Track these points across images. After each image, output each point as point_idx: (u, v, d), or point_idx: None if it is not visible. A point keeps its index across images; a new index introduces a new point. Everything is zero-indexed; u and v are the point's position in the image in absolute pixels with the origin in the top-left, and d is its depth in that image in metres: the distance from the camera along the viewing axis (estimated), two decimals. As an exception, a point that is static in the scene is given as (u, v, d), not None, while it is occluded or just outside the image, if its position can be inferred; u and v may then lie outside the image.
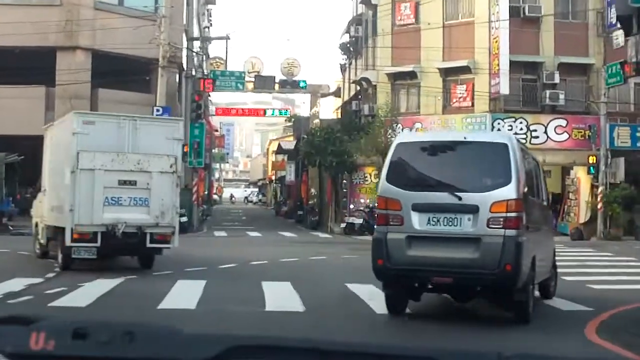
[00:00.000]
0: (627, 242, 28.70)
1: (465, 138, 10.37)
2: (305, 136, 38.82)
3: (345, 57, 46.95)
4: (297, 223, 43.15)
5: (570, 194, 32.85)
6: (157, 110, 30.66)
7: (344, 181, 36.35)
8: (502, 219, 8.90)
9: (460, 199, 9.09)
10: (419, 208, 9.28)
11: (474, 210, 9.02)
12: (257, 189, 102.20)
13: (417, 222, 9.27)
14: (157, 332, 1.69)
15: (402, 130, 32.16)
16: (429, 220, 9.24)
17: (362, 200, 34.49)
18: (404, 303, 10.05)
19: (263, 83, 35.75)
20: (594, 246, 26.17)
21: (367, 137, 32.23)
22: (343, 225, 33.02)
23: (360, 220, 32.09)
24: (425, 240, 9.26)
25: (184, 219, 32.23)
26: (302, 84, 36.67)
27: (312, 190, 44.39)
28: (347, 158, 33.11)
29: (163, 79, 31.18)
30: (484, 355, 1.59)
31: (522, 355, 1.60)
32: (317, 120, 49.53)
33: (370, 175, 34.89)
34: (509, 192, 8.98)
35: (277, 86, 37.53)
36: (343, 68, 47.79)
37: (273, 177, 75.78)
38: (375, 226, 10.02)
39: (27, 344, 1.59)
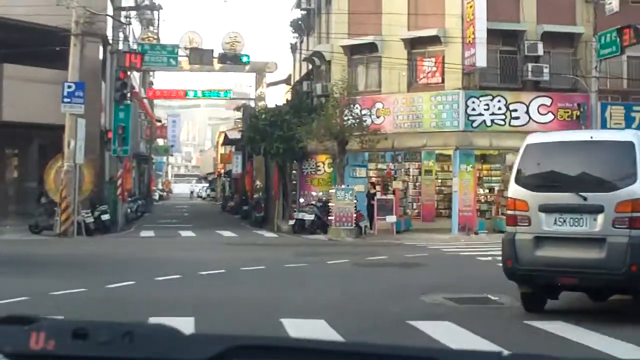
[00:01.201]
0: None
1: (592, 137, 10.35)
2: (250, 120, 34.65)
3: (297, 35, 42.92)
4: (242, 219, 39.16)
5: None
6: (69, 87, 26.26)
7: (293, 171, 32.26)
8: (627, 219, 9.10)
9: (585, 199, 9.33)
10: (545, 209, 9.60)
11: (599, 210, 9.25)
12: (207, 184, 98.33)
13: (544, 222, 9.61)
14: (157, 332, 1.70)
15: (361, 110, 28.70)
16: (555, 220, 9.56)
17: (313, 193, 30.31)
18: (542, 302, 10.11)
19: (199, 58, 31.44)
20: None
21: (319, 120, 28.10)
22: (292, 222, 28.89)
23: (312, 217, 27.98)
24: (552, 240, 9.58)
25: (106, 216, 27.99)
26: (245, 59, 32.43)
27: (258, 183, 40.26)
28: (296, 144, 28.91)
29: (76, 49, 26.76)
30: (484, 355, 1.65)
31: (522, 355, 1.65)
32: (262, 103, 45.35)
33: (324, 165, 30.81)
34: (634, 191, 9.12)
35: (215, 62, 33.25)
36: (294, 48, 43.69)
37: (222, 171, 71.87)
38: (505, 227, 10.34)
39: (27, 344, 1.61)
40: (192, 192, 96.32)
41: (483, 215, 30.17)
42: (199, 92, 50.23)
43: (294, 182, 32.11)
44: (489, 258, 17.33)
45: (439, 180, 31.91)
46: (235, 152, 51.56)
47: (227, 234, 29.01)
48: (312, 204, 29.01)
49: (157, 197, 71.78)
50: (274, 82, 52.62)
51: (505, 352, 1.60)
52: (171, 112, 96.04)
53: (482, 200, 30.94)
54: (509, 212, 10.06)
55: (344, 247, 22.47)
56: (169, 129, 75.05)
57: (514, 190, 9.94)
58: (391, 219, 27.77)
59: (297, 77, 42.05)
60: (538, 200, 9.60)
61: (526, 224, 9.65)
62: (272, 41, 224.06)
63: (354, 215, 26.59)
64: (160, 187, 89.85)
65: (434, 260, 17.80)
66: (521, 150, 10.13)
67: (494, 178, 30.94)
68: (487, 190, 31.18)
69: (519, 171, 10.01)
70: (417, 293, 11.74)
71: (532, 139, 10.34)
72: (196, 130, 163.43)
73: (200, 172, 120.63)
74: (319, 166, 31.04)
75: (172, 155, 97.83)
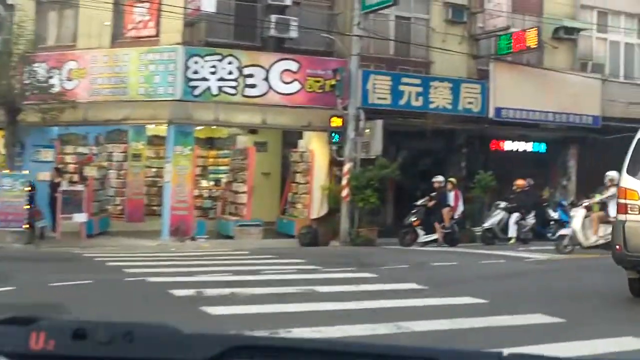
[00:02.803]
0: (386, 248, 19.79)
1: None
2: None
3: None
4: None
5: (299, 176, 23.36)
6: None
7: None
8: None
9: None
10: None
11: None
12: None
13: None
14: (157, 332, 1.73)
15: (48, 71, 21.52)
16: None
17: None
18: None
19: None
20: (331, 257, 16.83)
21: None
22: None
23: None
24: None
25: None
26: None
27: None
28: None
29: None
30: (484, 355, 1.70)
31: (522, 355, 1.69)
32: None
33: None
34: None
35: None
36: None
37: None
38: (617, 215, 10.94)
39: (27, 344, 1.63)
40: None
41: (206, 214, 23.94)
42: None
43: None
44: (191, 292, 10.57)
45: (152, 169, 25.20)
46: None
47: None
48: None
49: None
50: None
51: (506, 352, 1.63)
52: None
53: (206, 196, 24.68)
54: (620, 200, 10.68)
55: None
56: None
57: (626, 180, 10.60)
58: (80, 217, 20.85)
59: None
60: None
61: (636, 213, 10.34)
62: None
63: (27, 212, 19.48)
64: None
65: (77, 300, 10.32)
66: (634, 142, 10.81)
67: (221, 167, 24.71)
68: (212, 183, 24.97)
69: (631, 161, 10.64)
70: None
71: None
72: None
73: None
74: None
75: None
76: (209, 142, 25.63)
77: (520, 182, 22.03)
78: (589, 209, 17.77)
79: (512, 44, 23.84)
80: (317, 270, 13.89)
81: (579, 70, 25.87)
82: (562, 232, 18.50)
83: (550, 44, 25.64)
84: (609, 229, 16.64)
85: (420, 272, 13.72)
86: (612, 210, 16.96)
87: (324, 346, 1.71)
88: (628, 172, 10.56)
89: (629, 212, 10.33)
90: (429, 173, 21.93)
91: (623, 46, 27.33)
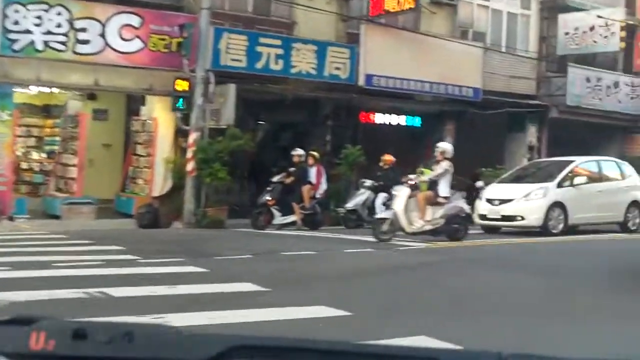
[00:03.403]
0: (236, 231, 17.42)
1: None
2: None
3: None
4: None
5: (140, 147, 20.67)
6: None
7: None
8: None
9: None
10: None
11: None
12: None
13: None
14: (157, 332, 1.77)
15: None
16: None
17: None
18: None
19: None
20: (163, 244, 14.30)
21: None
22: None
23: None
24: None
25: None
26: None
27: None
28: None
29: None
30: (484, 355, 1.63)
31: (522, 355, 1.64)
32: None
33: None
34: None
35: None
36: None
37: None
38: None
39: (27, 344, 1.64)
40: None
41: (36, 190, 21.09)
42: None
43: None
44: None
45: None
46: None
47: None
48: None
49: None
50: None
51: (505, 352, 1.58)
52: None
53: (37, 169, 21.77)
54: None
55: None
56: None
57: None
58: None
59: None
60: None
61: None
62: None
63: None
64: None
65: None
66: None
67: (57, 138, 21.75)
68: (45, 155, 22.03)
69: None
70: None
71: None
72: None
73: None
74: None
75: None
76: (46, 110, 22.66)
77: (387, 157, 19.97)
78: (414, 187, 15.27)
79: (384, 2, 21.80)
80: (133, 262, 11.11)
81: (458, 38, 24.09)
82: (382, 214, 15.95)
83: (429, 8, 23.74)
84: (439, 212, 15.04)
85: (265, 266, 11.05)
86: (443, 189, 15.16)
87: (324, 346, 1.71)
88: None
89: None
90: (291, 147, 19.69)
91: (506, 15, 25.70)
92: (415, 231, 15.01)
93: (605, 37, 25.39)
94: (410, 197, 15.05)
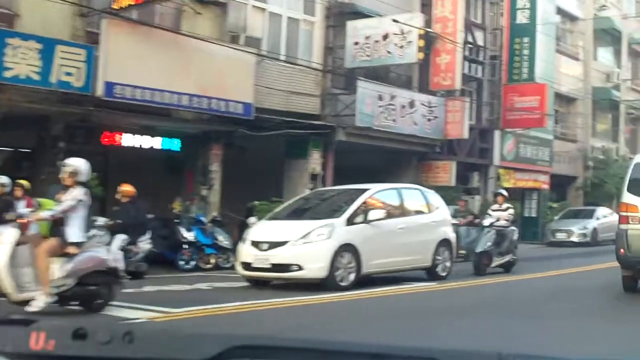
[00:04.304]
0: None
1: None
2: None
3: None
4: None
5: None
6: None
7: None
8: None
9: None
10: None
11: None
12: None
13: None
14: (157, 332, 1.91)
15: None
16: None
17: None
18: (636, 284, 14.01)
19: None
20: None
21: None
22: None
23: None
24: None
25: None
26: None
27: None
28: None
29: None
30: (484, 355, 1.68)
31: (522, 355, 1.69)
32: None
33: None
34: None
35: None
36: None
37: None
38: (619, 225, 14.04)
39: (27, 344, 1.71)
40: None
41: None
42: None
43: None
44: None
45: None
46: None
47: None
48: None
49: None
50: None
51: (505, 352, 1.63)
52: None
53: None
54: (622, 213, 13.89)
55: None
56: None
57: (627, 197, 13.74)
58: None
59: None
60: None
61: (637, 223, 13.46)
62: None
63: None
64: None
65: None
66: (630, 167, 14.17)
67: None
68: None
69: (630, 183, 13.76)
70: None
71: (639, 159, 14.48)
72: None
73: None
74: None
75: None
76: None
77: (126, 188, 15.64)
78: (26, 228, 10.59)
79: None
80: None
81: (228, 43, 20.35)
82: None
83: (192, 7, 19.92)
84: (67, 267, 9.96)
85: None
86: (73, 231, 10.15)
87: (323, 346, 1.75)
88: (629, 190, 13.65)
89: (630, 222, 13.49)
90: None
91: (286, 21, 22.28)
92: (26, 299, 9.84)
93: (401, 46, 22.43)
94: (20, 244, 10.01)
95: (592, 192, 38.41)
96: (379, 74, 24.75)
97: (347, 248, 14.25)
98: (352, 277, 14.22)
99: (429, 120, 24.77)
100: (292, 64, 21.85)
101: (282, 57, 21.82)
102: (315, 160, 22.50)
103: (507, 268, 18.44)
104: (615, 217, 35.11)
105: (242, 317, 10.75)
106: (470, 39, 28.67)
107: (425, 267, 16.11)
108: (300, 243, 14.05)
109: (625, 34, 42.87)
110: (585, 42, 39.23)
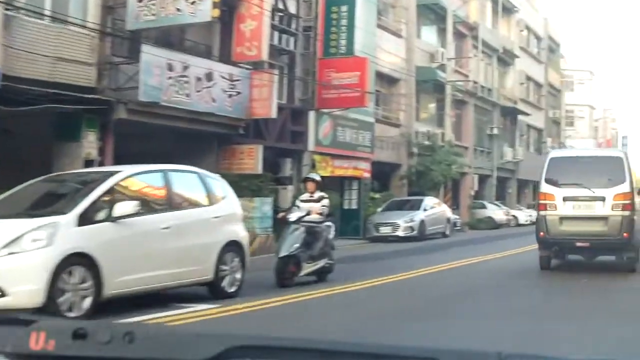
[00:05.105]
0: None
1: (595, 154, 19.19)
2: None
3: None
4: None
5: None
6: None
7: None
8: (620, 205, 16.10)
9: (594, 192, 16.27)
10: (567, 199, 16.44)
11: (602, 199, 16.22)
12: None
13: (566, 208, 16.44)
14: (157, 332, 1.84)
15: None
16: (573, 207, 16.44)
17: None
18: (550, 262, 17.20)
19: None
20: None
21: None
22: None
23: None
24: (571, 219, 16.43)
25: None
26: None
27: None
28: None
29: None
30: (484, 355, 1.69)
31: (522, 355, 1.70)
32: None
33: None
34: (624, 188, 16.24)
35: None
36: None
37: None
38: (538, 211, 17.03)
39: (27, 344, 1.70)
40: None
41: None
42: None
43: None
44: None
45: None
46: None
47: None
48: None
49: None
50: None
51: (505, 352, 1.64)
52: None
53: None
54: (541, 201, 16.66)
55: None
56: None
57: (545, 187, 16.64)
58: None
59: None
60: (562, 193, 16.39)
61: (554, 209, 16.32)
62: None
63: None
64: None
65: None
66: (547, 161, 17.04)
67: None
68: None
69: (547, 174, 16.59)
70: None
71: (554, 153, 18.48)
72: None
73: None
74: None
75: None
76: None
77: None
78: None
79: None
80: None
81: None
82: None
83: None
84: None
85: None
86: None
87: (323, 346, 1.75)
88: (546, 181, 16.59)
89: (548, 209, 16.38)
90: None
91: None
92: None
93: (193, 2, 18.91)
94: None
95: (417, 180, 36.47)
96: (172, 41, 21.27)
97: (79, 260, 9.92)
98: (87, 302, 9.90)
99: (230, 96, 21.36)
100: (59, 21, 17.93)
101: (47, 13, 17.88)
102: (90, 144, 18.62)
103: (321, 276, 15.20)
104: (443, 208, 34.05)
105: None
106: (281, 6, 25.59)
107: (205, 281, 12.10)
108: (3, 254, 9.52)
109: (450, 12, 41.29)
110: (409, 18, 37.16)
